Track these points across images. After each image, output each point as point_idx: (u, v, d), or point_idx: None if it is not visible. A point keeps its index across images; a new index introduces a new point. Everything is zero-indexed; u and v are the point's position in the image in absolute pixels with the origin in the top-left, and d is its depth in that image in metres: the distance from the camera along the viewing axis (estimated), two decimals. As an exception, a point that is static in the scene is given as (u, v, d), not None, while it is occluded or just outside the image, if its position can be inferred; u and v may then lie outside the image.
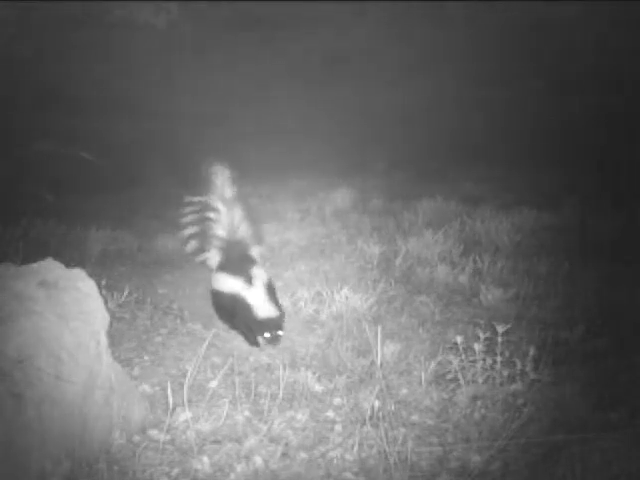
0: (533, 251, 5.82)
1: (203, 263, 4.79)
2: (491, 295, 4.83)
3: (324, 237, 6.78)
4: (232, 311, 4.32)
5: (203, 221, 4.73)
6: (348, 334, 4.29)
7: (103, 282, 4.51)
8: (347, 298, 4.59)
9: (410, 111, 12.29)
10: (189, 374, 3.26)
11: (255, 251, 4.74)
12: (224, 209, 4.68)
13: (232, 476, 2.89)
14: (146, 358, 4.06)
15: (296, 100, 12.15)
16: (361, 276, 5.33)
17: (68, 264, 3.26)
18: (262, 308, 4.14)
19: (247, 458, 2.99)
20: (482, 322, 3.68)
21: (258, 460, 2.97)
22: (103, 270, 5.49)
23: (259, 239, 4.87)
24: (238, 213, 4.71)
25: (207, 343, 3.56)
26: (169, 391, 3.11)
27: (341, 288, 4.68)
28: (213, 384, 3.66)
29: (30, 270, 3.13)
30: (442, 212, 7.41)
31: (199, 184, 4.76)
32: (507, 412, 3.27)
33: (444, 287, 5.22)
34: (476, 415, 3.33)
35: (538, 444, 3.01)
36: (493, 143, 11.24)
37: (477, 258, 5.52)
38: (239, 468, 2.92)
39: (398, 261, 5.65)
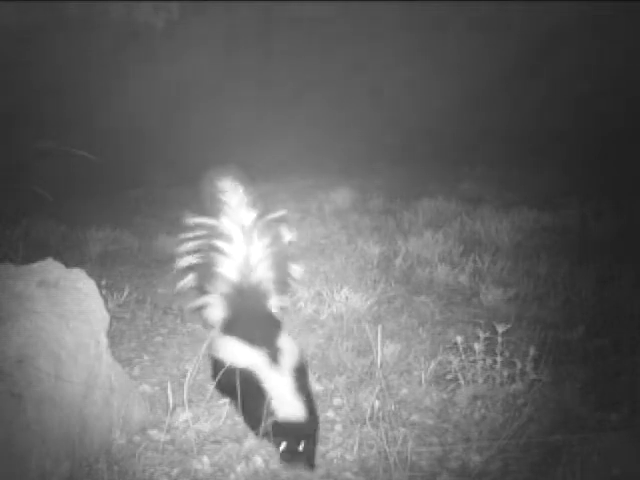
0: (533, 251, 5.82)
1: (198, 313, 3.63)
2: (491, 295, 4.83)
3: (324, 237, 6.77)
4: (243, 396, 3.06)
5: (207, 252, 3.51)
6: (348, 334, 4.29)
7: (103, 282, 4.51)
8: (347, 298, 4.59)
9: (410, 111, 12.30)
10: (189, 374, 3.26)
11: (275, 303, 3.56)
12: (238, 239, 3.47)
13: (232, 476, 2.89)
14: (146, 358, 4.06)
15: (296, 100, 12.16)
16: (361, 276, 5.32)
17: (68, 264, 3.26)
18: (285, 405, 2.90)
19: (247, 458, 2.99)
20: (482, 322, 3.67)
21: (258, 460, 2.97)
22: (103, 270, 5.49)
23: (282, 286, 3.62)
24: (258, 247, 3.48)
25: (207, 343, 3.55)
26: (169, 391, 3.11)
27: (341, 288, 4.68)
28: (213, 384, 3.66)
29: (30, 270, 3.14)
30: (442, 212, 7.41)
31: (208, 202, 3.60)
32: (507, 412, 3.27)
33: (444, 287, 5.22)
34: (476, 415, 3.34)
35: (538, 444, 3.01)
36: (493, 143, 11.24)
37: (477, 258, 5.52)
38: (239, 468, 2.92)
39: (398, 261, 5.65)
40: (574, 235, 6.35)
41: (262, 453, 3.03)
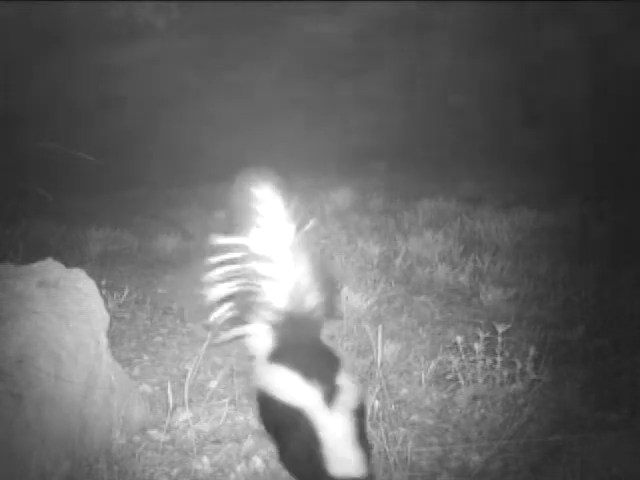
0: (533, 251, 5.82)
1: (239, 342, 3.23)
2: (491, 295, 4.83)
3: (324, 237, 6.77)
4: (289, 436, 2.66)
5: (245, 278, 3.04)
6: (348, 334, 4.29)
7: (103, 282, 4.51)
8: (347, 298, 4.59)
9: (410, 111, 12.29)
10: (189, 374, 3.26)
11: (325, 330, 3.14)
12: (282, 260, 2.99)
13: (232, 476, 2.89)
14: (146, 358, 4.05)
15: (296, 100, 12.16)
16: (361, 276, 5.32)
17: (68, 264, 3.26)
18: (342, 457, 2.46)
19: (247, 458, 2.99)
20: (482, 322, 3.67)
21: (258, 460, 2.97)
22: (103, 270, 5.49)
23: (331, 309, 3.20)
24: (305, 268, 3.01)
25: (207, 343, 3.55)
26: (169, 391, 3.11)
27: (341, 288, 4.67)
28: (213, 384, 3.66)
29: (30, 270, 3.14)
30: (442, 212, 7.42)
31: (237, 215, 3.06)
32: (507, 412, 3.27)
33: (444, 287, 5.22)
34: (476, 415, 3.34)
35: (538, 444, 3.01)
36: (493, 143, 11.24)
37: (477, 258, 5.52)
38: (239, 468, 2.92)
39: (398, 261, 5.65)
40: (574, 235, 6.35)
41: (262, 453, 3.03)
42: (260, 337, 2.99)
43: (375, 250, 5.84)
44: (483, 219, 6.71)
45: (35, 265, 3.18)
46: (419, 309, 4.81)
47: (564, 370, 3.66)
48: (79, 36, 10.36)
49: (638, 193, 7.26)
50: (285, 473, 2.91)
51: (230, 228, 3.07)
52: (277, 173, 3.33)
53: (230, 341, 3.25)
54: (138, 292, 4.96)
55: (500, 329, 3.48)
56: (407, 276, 5.46)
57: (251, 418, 3.32)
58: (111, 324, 3.23)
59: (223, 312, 3.10)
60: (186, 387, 3.17)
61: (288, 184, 3.00)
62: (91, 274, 3.25)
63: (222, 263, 3.05)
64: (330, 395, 2.56)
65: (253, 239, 2.98)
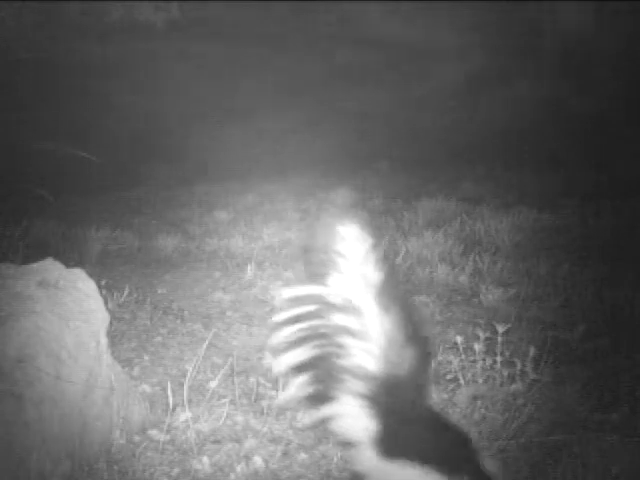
0: (533, 251, 5.82)
1: (319, 427, 2.60)
2: (491, 295, 4.83)
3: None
4: None
5: (323, 338, 2.32)
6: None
7: (103, 282, 4.51)
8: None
9: (410, 111, 12.30)
10: (189, 374, 3.26)
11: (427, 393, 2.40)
12: (371, 314, 2.29)
13: (232, 476, 2.89)
14: (146, 358, 4.05)
15: (296, 100, 12.16)
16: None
17: (68, 264, 3.26)
18: None
19: (247, 458, 2.99)
20: (482, 322, 3.67)
21: (258, 460, 2.97)
22: (103, 270, 5.49)
23: (425, 368, 2.41)
24: (395, 319, 2.29)
25: (207, 343, 3.55)
26: (169, 391, 3.11)
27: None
28: (213, 384, 3.66)
29: (30, 270, 3.13)
30: (442, 212, 7.42)
31: (314, 258, 2.36)
32: (507, 412, 3.27)
33: (444, 287, 5.22)
34: (476, 415, 3.33)
35: (538, 444, 3.01)
36: (493, 143, 11.25)
37: (477, 258, 5.52)
38: (239, 468, 2.92)
39: (398, 261, 5.65)
40: (574, 235, 6.36)
41: (262, 453, 3.03)
42: (354, 417, 2.24)
43: (375, 250, 5.83)
44: (483, 219, 6.71)
45: (35, 265, 3.18)
46: (419, 309, 4.81)
47: (564, 370, 3.66)
48: (79, 34, 10.36)
49: (637, 193, 7.27)
50: (285, 472, 2.92)
51: (305, 275, 2.43)
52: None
53: (316, 427, 2.66)
54: (138, 292, 4.96)
55: (500, 329, 3.48)
56: (407, 276, 5.46)
57: (251, 418, 3.33)
58: (111, 324, 3.23)
59: (298, 388, 2.33)
60: (186, 387, 3.17)
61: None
62: (91, 274, 3.25)
63: (292, 321, 2.34)
64: None
65: (332, 288, 2.30)
